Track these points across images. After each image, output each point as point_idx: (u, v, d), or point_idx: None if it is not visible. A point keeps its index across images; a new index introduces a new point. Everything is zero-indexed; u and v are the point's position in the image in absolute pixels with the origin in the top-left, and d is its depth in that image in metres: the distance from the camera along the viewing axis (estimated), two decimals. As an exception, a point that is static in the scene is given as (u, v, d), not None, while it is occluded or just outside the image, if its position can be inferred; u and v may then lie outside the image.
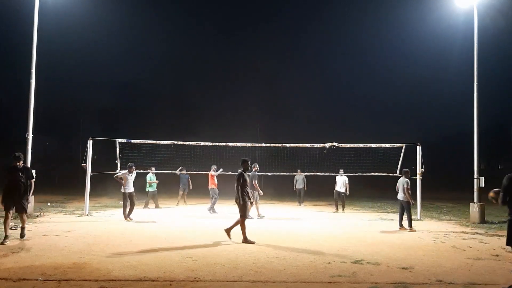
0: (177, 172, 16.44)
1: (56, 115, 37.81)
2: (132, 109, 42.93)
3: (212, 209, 14.12)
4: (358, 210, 16.70)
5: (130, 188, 11.70)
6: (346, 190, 15.41)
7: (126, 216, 11.59)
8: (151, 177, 15.52)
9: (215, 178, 14.51)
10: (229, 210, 14.73)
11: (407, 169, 10.79)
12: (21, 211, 8.03)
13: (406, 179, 10.50)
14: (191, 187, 17.41)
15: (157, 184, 15.73)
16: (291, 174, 17.95)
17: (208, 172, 14.51)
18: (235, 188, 8.50)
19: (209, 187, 14.37)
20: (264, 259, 6.71)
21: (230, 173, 14.59)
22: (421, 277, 5.75)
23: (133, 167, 11.89)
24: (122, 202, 11.93)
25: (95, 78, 41.53)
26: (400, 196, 10.55)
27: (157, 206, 15.59)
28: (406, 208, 10.45)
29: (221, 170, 14.66)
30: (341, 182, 15.41)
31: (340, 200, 15.56)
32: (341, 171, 15.51)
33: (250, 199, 8.62)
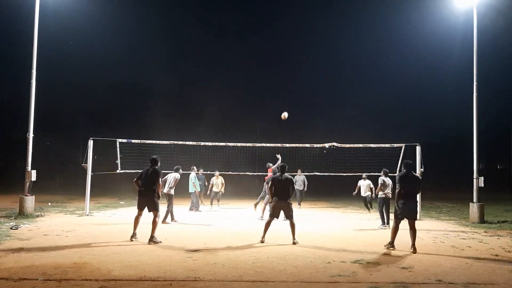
0: (200, 173, 16.35)
1: (56, 115, 37.71)
2: (132, 109, 42.90)
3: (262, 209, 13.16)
4: (358, 209, 16.73)
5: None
6: (372, 193, 14.62)
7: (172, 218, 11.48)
8: (194, 178, 14.86)
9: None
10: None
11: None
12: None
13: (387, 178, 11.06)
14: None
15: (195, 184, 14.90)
16: (291, 174, 17.87)
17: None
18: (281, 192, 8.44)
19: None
20: (264, 258, 6.73)
21: (230, 173, 14.60)
22: (420, 276, 5.77)
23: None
24: (168, 204, 11.35)
25: (96, 78, 41.25)
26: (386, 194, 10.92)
27: (190, 209, 14.92)
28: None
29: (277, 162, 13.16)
30: (365, 186, 14.83)
31: (368, 202, 15.03)
32: (364, 175, 14.91)
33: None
